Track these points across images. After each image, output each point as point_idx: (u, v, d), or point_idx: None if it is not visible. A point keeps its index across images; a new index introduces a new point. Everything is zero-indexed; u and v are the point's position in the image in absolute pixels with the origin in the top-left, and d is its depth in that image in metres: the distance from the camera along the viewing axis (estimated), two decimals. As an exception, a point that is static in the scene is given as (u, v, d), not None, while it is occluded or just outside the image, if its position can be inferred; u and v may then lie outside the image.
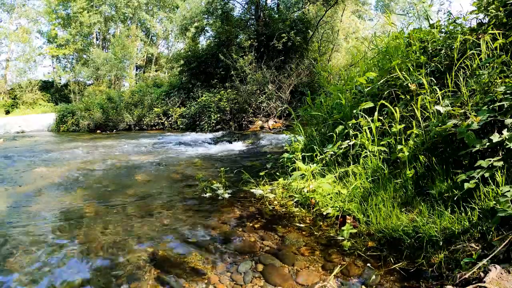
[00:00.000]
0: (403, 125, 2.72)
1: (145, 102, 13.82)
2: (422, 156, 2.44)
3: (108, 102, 14.40)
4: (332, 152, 3.12)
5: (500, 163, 1.86)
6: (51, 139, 10.86)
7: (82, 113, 14.12)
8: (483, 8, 2.86)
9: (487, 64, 2.44)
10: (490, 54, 2.51)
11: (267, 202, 3.01)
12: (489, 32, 2.59)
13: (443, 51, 2.96)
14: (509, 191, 1.68)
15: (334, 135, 3.20)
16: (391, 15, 3.97)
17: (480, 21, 2.98)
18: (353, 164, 2.86)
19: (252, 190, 3.34)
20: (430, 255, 1.79)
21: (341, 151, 3.05)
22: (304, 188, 2.84)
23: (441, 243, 1.80)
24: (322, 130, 3.66)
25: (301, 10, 14.37)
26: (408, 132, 2.62)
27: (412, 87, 2.74)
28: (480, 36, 2.61)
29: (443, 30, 3.26)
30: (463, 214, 1.90)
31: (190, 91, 13.32)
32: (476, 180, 1.89)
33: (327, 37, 14.73)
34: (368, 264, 1.89)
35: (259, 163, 4.95)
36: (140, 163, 5.51)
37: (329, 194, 2.71)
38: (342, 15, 14.84)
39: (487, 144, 1.96)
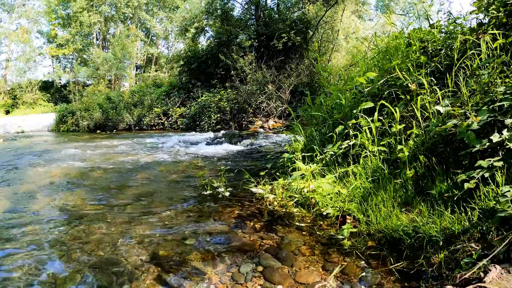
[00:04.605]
0: (403, 125, 2.72)
1: (145, 102, 13.83)
2: (422, 156, 2.44)
3: (107, 102, 14.41)
4: (332, 152, 3.12)
5: (500, 163, 1.85)
6: (51, 139, 10.86)
7: (82, 113, 14.12)
8: (483, 8, 2.86)
9: (487, 64, 2.44)
10: (490, 54, 2.51)
11: (267, 202, 3.01)
12: (489, 32, 2.59)
13: (443, 51, 2.96)
14: (509, 191, 1.68)
15: (334, 135, 3.20)
16: (391, 15, 3.97)
17: (480, 21, 2.98)
18: (353, 164, 2.86)
19: (252, 190, 3.34)
20: (430, 255, 1.79)
21: (341, 151, 3.05)
22: (304, 188, 2.84)
23: (441, 243, 1.80)
24: (322, 130, 3.65)
25: (301, 10, 14.37)
26: (408, 132, 2.62)
27: (412, 87, 2.74)
28: (480, 36, 2.60)
29: (443, 30, 3.26)
30: (463, 214, 1.90)
31: (190, 91, 13.33)
32: (476, 180, 1.89)
33: (327, 37, 14.73)
34: (368, 264, 1.89)
35: (259, 163, 4.95)
36: (140, 163, 5.51)
37: (329, 194, 2.71)
38: (342, 15, 14.84)
39: (487, 144, 1.96)
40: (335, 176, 2.88)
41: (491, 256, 1.52)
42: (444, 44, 3.01)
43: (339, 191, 2.67)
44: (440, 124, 2.34)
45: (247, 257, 2.06)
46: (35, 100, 23.30)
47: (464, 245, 1.71)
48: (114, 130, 13.60)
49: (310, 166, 2.88)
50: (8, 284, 1.82)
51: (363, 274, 1.80)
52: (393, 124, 2.77)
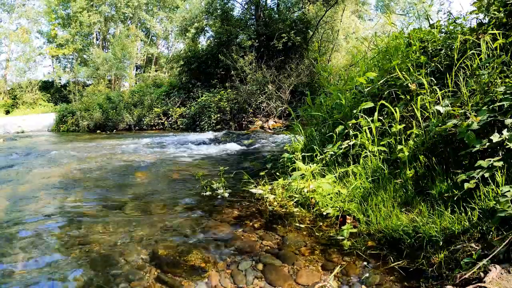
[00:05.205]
0: (403, 125, 2.72)
1: (145, 102, 13.83)
2: (422, 156, 2.44)
3: (107, 102, 14.41)
4: (332, 152, 3.12)
5: (500, 163, 1.85)
6: (51, 139, 10.86)
7: (82, 113, 14.13)
8: (483, 8, 2.86)
9: (487, 64, 2.44)
10: (490, 54, 2.51)
11: (267, 202, 3.01)
12: (489, 32, 2.59)
13: (443, 51, 2.96)
14: (509, 191, 1.68)
15: (334, 135, 3.20)
16: (391, 15, 3.97)
17: (480, 21, 2.98)
18: (353, 164, 2.86)
19: (252, 190, 3.34)
20: (430, 255, 1.79)
21: (341, 151, 3.05)
22: (304, 188, 2.84)
23: (441, 243, 1.80)
24: (322, 130, 3.66)
25: (301, 10, 14.37)
26: (408, 132, 2.62)
27: (412, 87, 2.74)
28: (480, 36, 2.60)
29: (443, 30, 3.26)
30: (463, 214, 1.90)
31: (190, 91, 13.33)
32: (476, 180, 1.89)
33: (327, 37, 14.73)
34: (368, 264, 1.89)
35: (259, 163, 4.95)
36: (140, 163, 5.51)
37: (329, 194, 2.71)
38: (342, 15, 14.84)
39: (487, 144, 1.96)
40: (335, 176, 2.88)
41: (491, 256, 1.52)
42: (444, 44, 3.01)
43: (339, 191, 2.67)
44: (440, 124, 2.34)
45: (247, 257, 2.06)
46: (35, 100, 23.32)
47: (464, 245, 1.71)
48: (114, 130, 13.60)
49: (310, 166, 2.88)
50: (8, 284, 1.81)
51: (363, 274, 1.80)
52: (393, 124, 2.77)
